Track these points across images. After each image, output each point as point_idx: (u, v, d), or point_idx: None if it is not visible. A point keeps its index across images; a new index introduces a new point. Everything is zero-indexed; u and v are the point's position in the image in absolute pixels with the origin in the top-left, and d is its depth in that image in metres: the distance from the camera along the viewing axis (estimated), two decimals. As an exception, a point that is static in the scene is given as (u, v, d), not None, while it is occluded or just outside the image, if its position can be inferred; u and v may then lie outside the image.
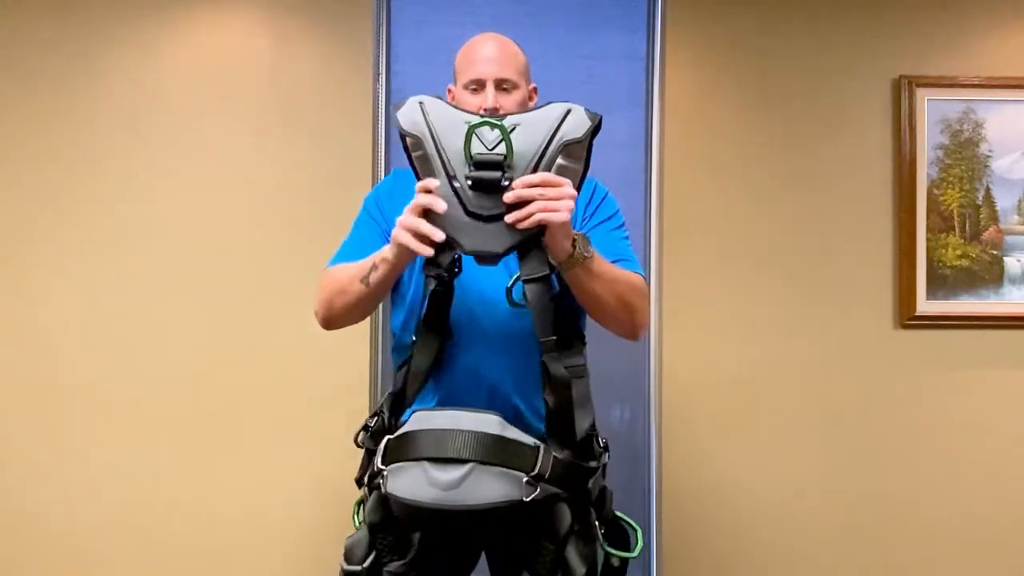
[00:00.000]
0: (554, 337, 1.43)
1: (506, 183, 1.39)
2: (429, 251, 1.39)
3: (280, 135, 2.72)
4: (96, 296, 2.68)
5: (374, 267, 1.50)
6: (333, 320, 1.62)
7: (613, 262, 1.57)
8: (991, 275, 2.81)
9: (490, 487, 1.36)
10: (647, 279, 1.66)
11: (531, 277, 1.42)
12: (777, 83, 2.81)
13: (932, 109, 2.80)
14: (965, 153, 2.82)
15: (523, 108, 1.68)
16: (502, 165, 1.39)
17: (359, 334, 2.28)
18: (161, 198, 2.70)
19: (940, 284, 2.80)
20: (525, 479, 1.37)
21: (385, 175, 2.22)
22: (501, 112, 1.62)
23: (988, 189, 2.82)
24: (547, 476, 1.39)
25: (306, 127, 2.71)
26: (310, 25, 2.73)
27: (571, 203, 1.39)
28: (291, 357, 2.68)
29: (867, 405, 2.79)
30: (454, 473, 1.36)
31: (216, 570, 2.66)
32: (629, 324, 1.59)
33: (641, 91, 2.25)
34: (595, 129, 1.42)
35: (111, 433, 2.67)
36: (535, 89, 1.76)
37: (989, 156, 2.82)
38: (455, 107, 1.46)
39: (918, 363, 2.80)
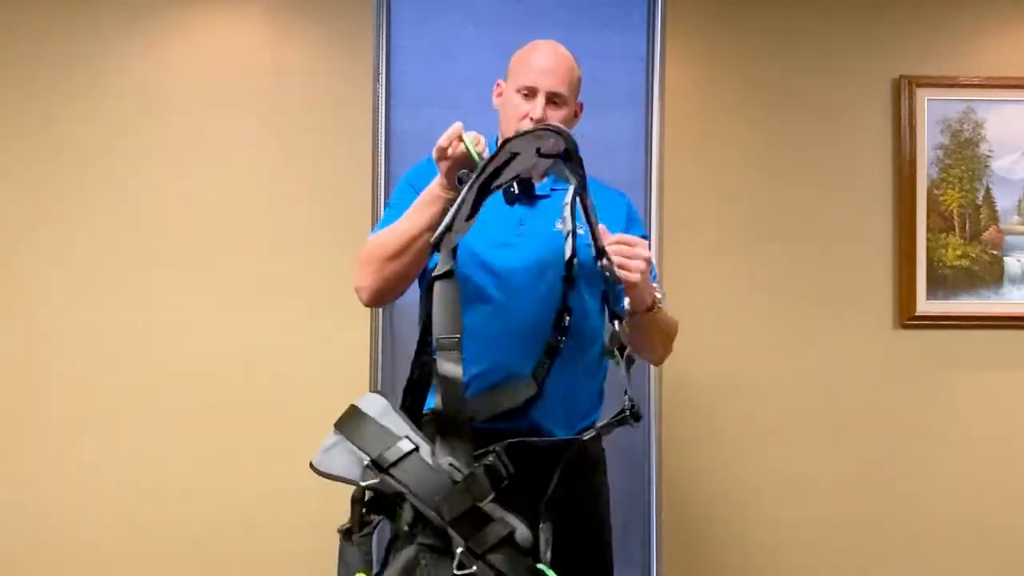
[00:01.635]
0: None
1: None
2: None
3: (280, 135, 2.71)
4: (97, 294, 2.67)
5: (431, 206, 1.51)
6: (386, 290, 1.59)
7: None
8: (991, 275, 2.81)
9: None
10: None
11: None
12: (777, 83, 2.81)
13: (932, 109, 2.80)
14: (965, 153, 2.82)
15: (569, 124, 1.69)
16: None
17: (360, 332, 2.29)
18: (160, 198, 2.70)
19: (940, 284, 2.80)
20: None
21: (385, 176, 2.22)
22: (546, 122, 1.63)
23: (988, 189, 2.82)
24: None
25: (306, 127, 2.71)
26: (310, 25, 2.73)
27: (643, 264, 1.49)
28: (292, 356, 2.67)
29: (867, 405, 2.79)
30: None
31: (218, 571, 2.66)
32: (660, 357, 1.79)
33: (641, 91, 2.25)
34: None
35: (113, 431, 2.66)
36: (582, 106, 1.76)
37: (989, 156, 2.82)
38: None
39: (918, 363, 2.80)
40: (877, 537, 2.79)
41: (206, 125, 2.71)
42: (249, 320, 2.69)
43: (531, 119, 1.63)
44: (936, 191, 2.81)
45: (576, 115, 1.75)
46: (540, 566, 1.25)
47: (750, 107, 2.81)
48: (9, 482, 2.67)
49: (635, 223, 1.77)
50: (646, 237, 1.73)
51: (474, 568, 1.18)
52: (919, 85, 2.79)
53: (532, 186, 1.67)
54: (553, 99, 1.66)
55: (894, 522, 2.79)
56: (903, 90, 2.79)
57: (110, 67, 2.71)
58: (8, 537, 2.66)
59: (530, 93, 1.66)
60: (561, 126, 1.43)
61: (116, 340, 2.68)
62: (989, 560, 2.79)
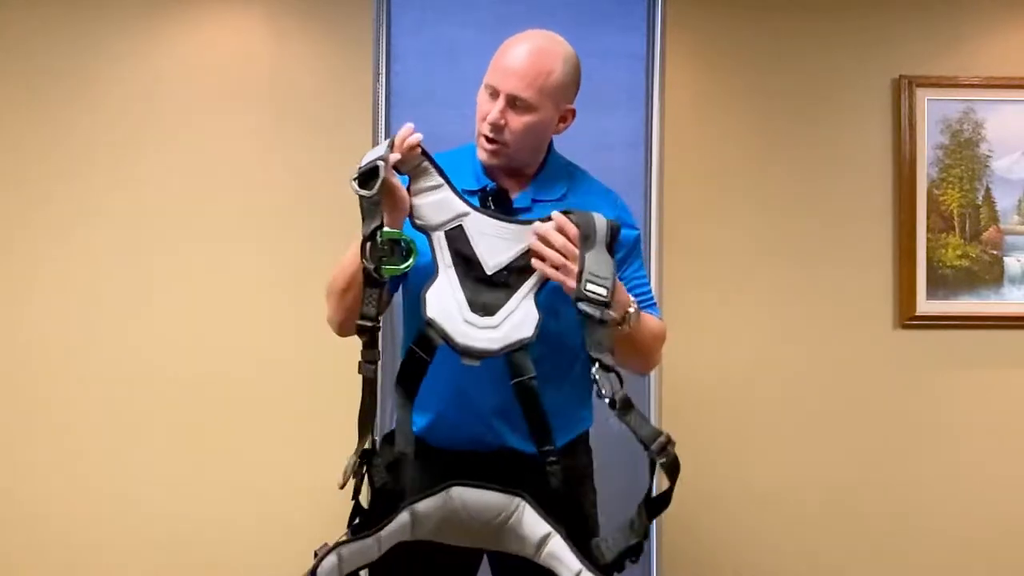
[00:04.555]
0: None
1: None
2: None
3: (280, 135, 2.71)
4: (94, 295, 2.68)
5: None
6: (349, 321, 1.50)
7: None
8: (991, 275, 2.81)
9: None
10: (661, 317, 1.67)
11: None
12: (777, 83, 2.81)
13: (932, 109, 2.80)
14: (965, 153, 2.82)
15: (538, 132, 1.59)
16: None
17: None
18: (160, 198, 2.70)
19: (940, 284, 2.80)
20: None
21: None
22: (504, 127, 1.55)
23: (988, 189, 2.82)
24: None
25: (306, 127, 2.71)
26: (310, 25, 2.73)
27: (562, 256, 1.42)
28: (290, 358, 2.67)
29: (867, 405, 2.79)
30: None
31: (218, 571, 2.66)
32: (641, 367, 1.70)
33: (641, 91, 2.25)
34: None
35: (110, 436, 2.67)
36: (572, 112, 1.63)
37: (989, 156, 2.82)
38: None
39: (918, 363, 2.80)
40: (877, 535, 2.79)
41: (206, 125, 2.71)
42: (248, 320, 2.69)
43: (488, 122, 1.55)
44: (936, 191, 2.81)
45: (563, 120, 1.62)
46: None
47: (750, 107, 2.81)
48: (5, 483, 2.67)
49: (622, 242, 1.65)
50: (639, 248, 1.69)
51: None
52: (919, 85, 2.79)
53: (510, 199, 1.59)
54: (515, 102, 1.54)
55: (894, 521, 2.79)
56: (903, 90, 2.79)
57: (109, 68, 2.71)
58: (3, 538, 2.66)
59: (494, 93, 1.56)
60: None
61: (115, 340, 2.67)
62: (990, 558, 2.79)
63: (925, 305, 2.79)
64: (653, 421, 2.24)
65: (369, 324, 1.42)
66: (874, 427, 2.79)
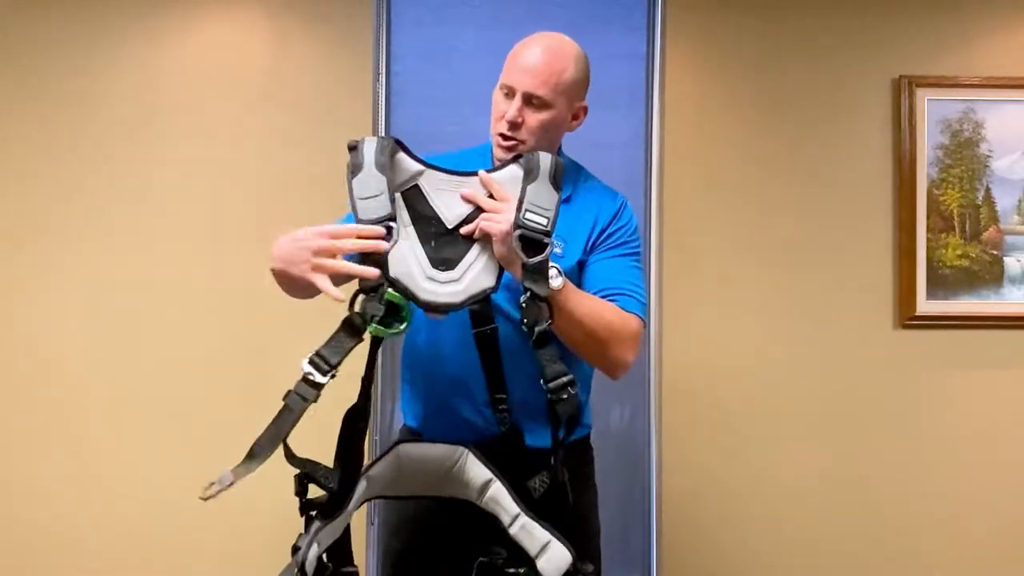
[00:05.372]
0: None
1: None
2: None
3: (280, 135, 2.71)
4: (96, 296, 2.68)
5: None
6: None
7: (606, 294, 1.56)
8: (991, 275, 2.81)
9: None
10: (644, 316, 1.60)
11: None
12: (777, 83, 2.81)
13: (932, 109, 2.80)
14: (965, 153, 2.82)
15: (553, 128, 1.63)
16: None
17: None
18: (160, 198, 2.70)
19: (940, 284, 2.80)
20: None
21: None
22: (522, 125, 1.58)
23: (988, 189, 2.82)
24: None
25: (306, 127, 2.71)
26: (310, 25, 2.73)
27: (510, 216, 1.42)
28: (293, 358, 2.67)
29: (867, 405, 2.79)
30: None
31: (217, 572, 2.66)
32: (601, 361, 1.58)
33: (641, 91, 2.25)
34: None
35: (112, 437, 2.67)
36: (584, 109, 1.68)
37: (989, 156, 2.82)
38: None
39: (918, 363, 2.80)
40: (876, 536, 2.79)
41: (206, 126, 2.71)
42: (247, 321, 2.69)
43: (506, 120, 1.59)
44: (936, 191, 2.81)
45: (576, 118, 1.67)
46: None
47: (750, 107, 2.81)
48: (5, 483, 2.67)
49: (610, 233, 1.65)
50: (630, 244, 1.67)
51: None
52: (919, 85, 2.79)
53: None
54: (531, 100, 1.59)
55: (893, 521, 2.79)
56: (903, 90, 2.79)
57: (110, 70, 2.71)
58: (3, 538, 2.66)
59: (510, 92, 1.60)
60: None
61: (118, 341, 2.68)
62: (989, 557, 2.79)
63: (925, 305, 2.79)
64: (652, 419, 2.24)
65: (328, 369, 1.47)
66: (874, 427, 2.79)
